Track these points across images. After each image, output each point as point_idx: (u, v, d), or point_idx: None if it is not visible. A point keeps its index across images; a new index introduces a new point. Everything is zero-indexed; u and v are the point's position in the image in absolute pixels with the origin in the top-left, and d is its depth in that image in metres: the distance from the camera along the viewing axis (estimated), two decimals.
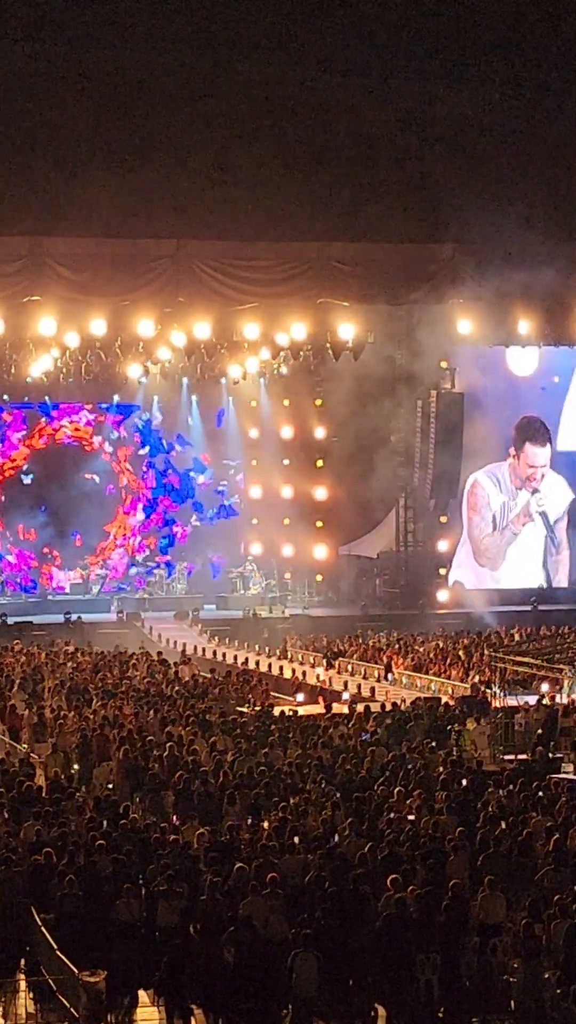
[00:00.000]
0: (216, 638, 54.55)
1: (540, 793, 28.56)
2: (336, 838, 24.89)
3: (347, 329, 53.50)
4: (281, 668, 47.40)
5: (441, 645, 50.45)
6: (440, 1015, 20.79)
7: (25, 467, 63.52)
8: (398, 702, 39.40)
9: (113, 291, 50.30)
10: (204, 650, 51.44)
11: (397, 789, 28.18)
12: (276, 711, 38.11)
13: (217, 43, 51.73)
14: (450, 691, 42.11)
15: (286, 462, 64.91)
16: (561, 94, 54.65)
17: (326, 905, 21.42)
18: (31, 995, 21.41)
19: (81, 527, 63.42)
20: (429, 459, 60.32)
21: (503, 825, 25.74)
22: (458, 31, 53.51)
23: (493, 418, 62.58)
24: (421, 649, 49.89)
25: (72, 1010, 20.09)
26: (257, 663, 48.42)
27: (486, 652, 46.97)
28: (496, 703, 38.53)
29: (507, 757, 34.01)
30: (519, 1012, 20.13)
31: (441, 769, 30.45)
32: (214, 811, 27.56)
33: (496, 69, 54.16)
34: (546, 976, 20.23)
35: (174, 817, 27.79)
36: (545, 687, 41.00)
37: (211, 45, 51.72)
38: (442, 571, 62.80)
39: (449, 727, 35.50)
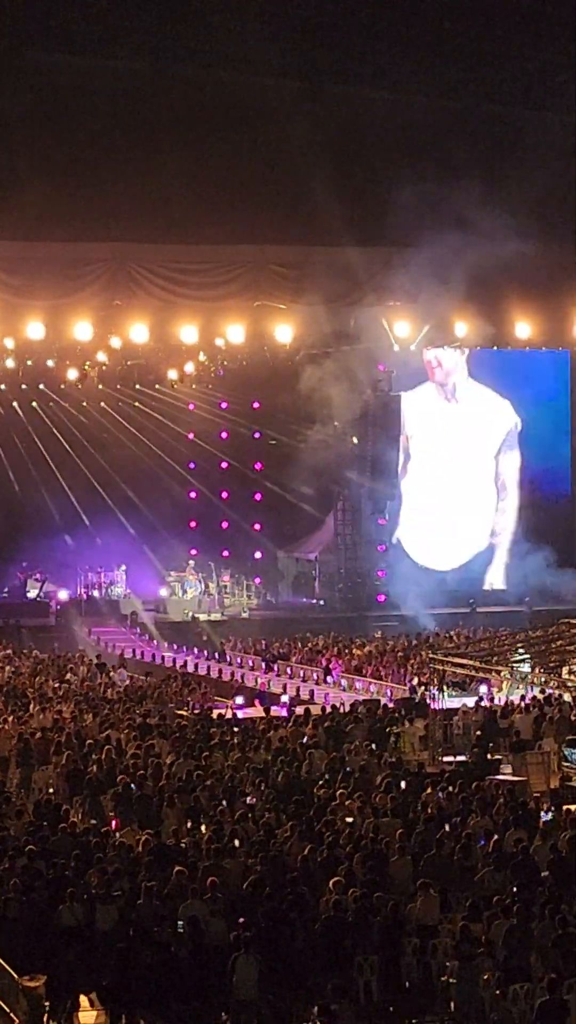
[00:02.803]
0: (155, 642, 54.47)
1: (479, 794, 28.66)
2: (276, 841, 24.86)
3: (285, 331, 53.50)
4: (220, 671, 47.37)
5: (380, 647, 50.57)
6: (380, 1017, 20.80)
7: None
8: (337, 704, 39.47)
9: (49, 294, 50.00)
10: (143, 653, 51.37)
11: (337, 791, 28.21)
12: (215, 714, 38.12)
13: (154, 46, 51.54)
14: (389, 693, 42.24)
15: (224, 465, 64.87)
16: (500, 96, 54.82)
17: (266, 908, 21.40)
18: None
19: (23, 530, 62.97)
20: (367, 461, 60.41)
21: (446, 828, 25.82)
22: (395, 32, 53.55)
23: None
24: (360, 651, 49.97)
25: (12, 1015, 19.99)
26: (196, 666, 48.38)
27: (425, 654, 47.08)
28: (435, 705, 38.64)
29: (446, 759, 34.11)
30: (459, 1013, 20.15)
31: (380, 771, 30.50)
32: (153, 815, 27.50)
33: (435, 71, 54.20)
34: (485, 977, 20.27)
35: (113, 822, 27.74)
36: (483, 689, 41.19)
37: (148, 48, 51.53)
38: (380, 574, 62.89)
39: (388, 729, 35.56)
